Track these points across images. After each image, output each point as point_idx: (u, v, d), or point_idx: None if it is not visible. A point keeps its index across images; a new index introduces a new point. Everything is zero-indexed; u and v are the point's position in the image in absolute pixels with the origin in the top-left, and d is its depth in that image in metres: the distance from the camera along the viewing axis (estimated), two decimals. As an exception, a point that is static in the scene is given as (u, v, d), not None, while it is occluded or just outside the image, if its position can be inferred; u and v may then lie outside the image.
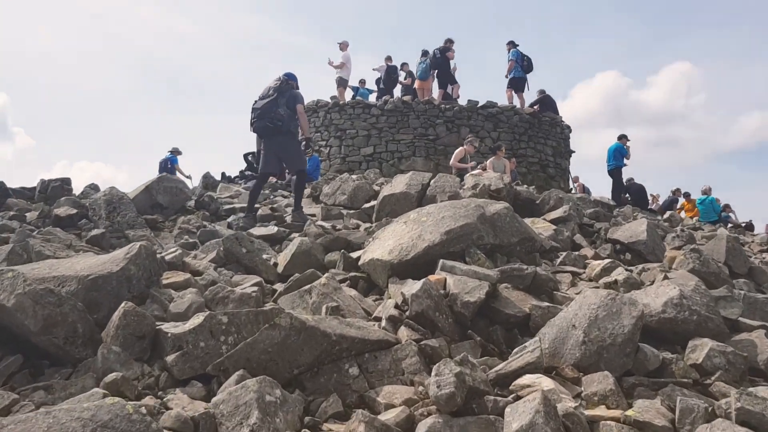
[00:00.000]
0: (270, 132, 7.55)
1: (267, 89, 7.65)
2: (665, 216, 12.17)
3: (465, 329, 4.11)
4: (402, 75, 17.67)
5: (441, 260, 4.81)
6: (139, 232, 6.55)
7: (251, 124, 7.64)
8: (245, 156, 14.66)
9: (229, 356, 3.33)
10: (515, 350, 3.58)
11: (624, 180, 15.63)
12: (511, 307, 4.33)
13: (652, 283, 5.43)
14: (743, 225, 16.16)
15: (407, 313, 4.11)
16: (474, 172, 11.03)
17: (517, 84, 15.14)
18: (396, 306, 4.19)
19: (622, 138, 15.62)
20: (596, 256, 6.66)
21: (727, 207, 16.03)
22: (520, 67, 14.91)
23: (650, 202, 17.45)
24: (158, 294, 4.28)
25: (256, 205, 8.01)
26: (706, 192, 14.53)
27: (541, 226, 7.19)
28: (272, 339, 3.40)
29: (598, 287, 5.17)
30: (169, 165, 17.06)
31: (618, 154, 15.28)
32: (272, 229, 6.75)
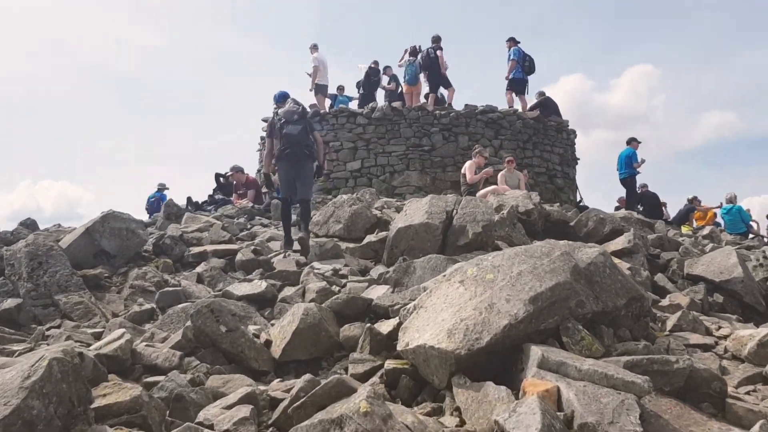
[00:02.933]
0: (302, 159, 7.20)
1: (290, 114, 7.22)
2: (703, 231, 10.63)
3: (611, 485, 2.43)
4: (385, 79, 15.99)
5: (533, 348, 3.14)
6: (74, 298, 4.73)
7: (282, 150, 7.15)
8: (217, 176, 12.82)
9: None
10: None
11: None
12: (672, 434, 2.65)
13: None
14: None
15: (515, 463, 2.41)
16: (489, 188, 9.38)
17: (517, 86, 13.53)
18: (495, 452, 2.47)
19: (632, 142, 14.14)
20: (693, 305, 5.07)
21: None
22: (521, 68, 13.33)
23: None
24: (83, 445, 2.49)
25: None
26: (732, 200, 12.94)
27: (609, 264, 5.56)
28: None
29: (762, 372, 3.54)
30: (161, 204, 14.97)
31: (630, 161, 13.82)
32: (259, 284, 4.96)
